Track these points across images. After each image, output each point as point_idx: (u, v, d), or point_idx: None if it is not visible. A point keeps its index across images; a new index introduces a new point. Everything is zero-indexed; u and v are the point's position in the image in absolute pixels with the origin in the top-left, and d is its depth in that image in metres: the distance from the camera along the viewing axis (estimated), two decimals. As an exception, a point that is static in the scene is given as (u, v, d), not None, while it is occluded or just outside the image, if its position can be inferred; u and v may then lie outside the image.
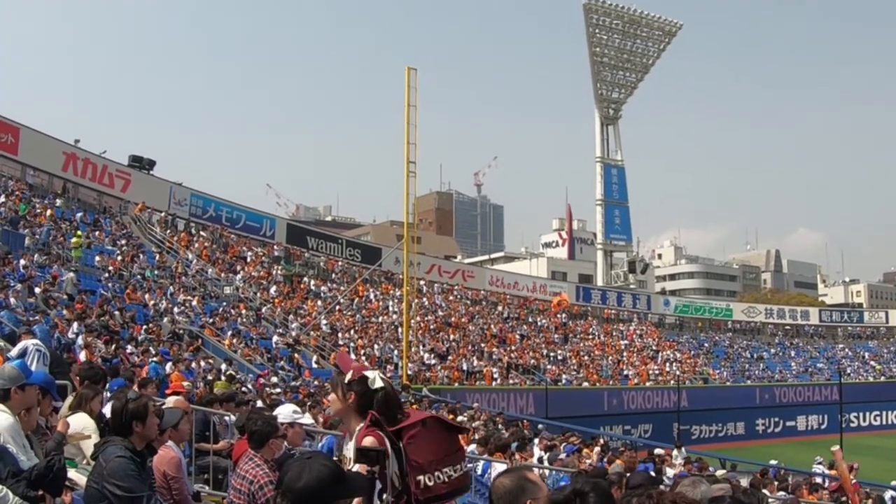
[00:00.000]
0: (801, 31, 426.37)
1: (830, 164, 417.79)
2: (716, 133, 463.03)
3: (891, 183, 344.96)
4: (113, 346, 21.69)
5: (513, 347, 56.11)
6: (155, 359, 22.38)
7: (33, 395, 6.64)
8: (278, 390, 24.16)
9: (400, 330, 44.80)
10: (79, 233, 37.70)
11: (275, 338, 38.32)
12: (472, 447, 16.93)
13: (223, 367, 27.22)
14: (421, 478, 5.06)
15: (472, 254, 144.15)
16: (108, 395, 6.65)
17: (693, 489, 4.95)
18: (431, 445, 5.13)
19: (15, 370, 6.64)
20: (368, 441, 5.03)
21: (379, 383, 5.24)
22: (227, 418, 13.05)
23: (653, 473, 18.86)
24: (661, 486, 9.21)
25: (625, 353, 64.88)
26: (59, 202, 43.35)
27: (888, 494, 26.92)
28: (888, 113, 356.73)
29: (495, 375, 48.92)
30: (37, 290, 27.31)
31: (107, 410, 7.05)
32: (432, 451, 5.12)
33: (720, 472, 20.80)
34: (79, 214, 42.72)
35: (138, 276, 37.17)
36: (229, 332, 35.19)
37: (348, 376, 5.30)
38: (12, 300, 24.60)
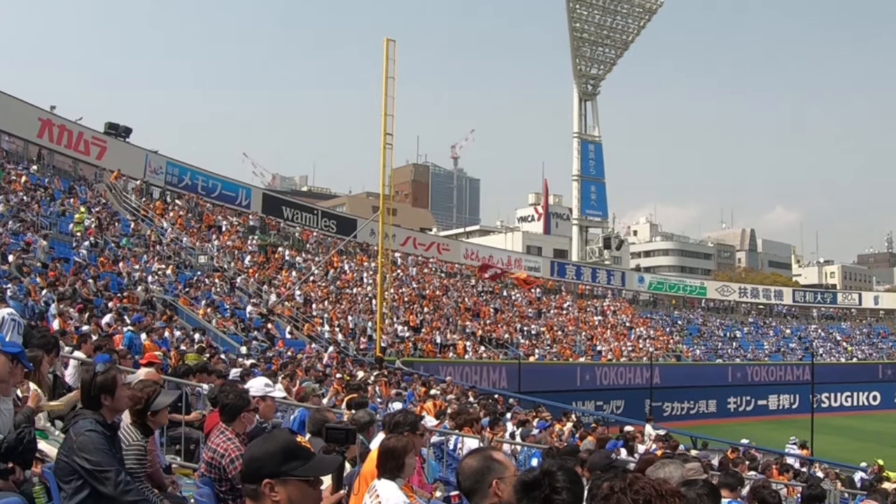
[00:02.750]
0: (780, 11, 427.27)
1: (809, 146, 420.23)
2: (694, 111, 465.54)
3: (867, 166, 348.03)
4: (86, 315, 21.54)
5: (486, 321, 56.26)
6: (130, 328, 22.23)
7: (6, 364, 6.58)
8: (251, 361, 24.03)
9: (374, 302, 44.74)
10: (81, 209, 37.54)
11: (249, 308, 38.21)
12: (446, 422, 16.99)
13: (196, 336, 27.15)
14: None
15: (448, 227, 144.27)
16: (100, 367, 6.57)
17: (674, 472, 4.98)
18: None
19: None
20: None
21: None
22: (199, 389, 13.06)
23: (623, 451, 19.03)
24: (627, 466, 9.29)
25: (598, 329, 65.18)
26: (34, 169, 43.01)
27: (857, 475, 27.28)
28: (869, 96, 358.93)
29: (468, 349, 49.03)
30: (10, 257, 27.08)
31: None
32: None
33: (694, 452, 20.92)
34: (46, 180, 42.44)
35: (112, 245, 36.96)
36: (203, 302, 35.04)
37: None
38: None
